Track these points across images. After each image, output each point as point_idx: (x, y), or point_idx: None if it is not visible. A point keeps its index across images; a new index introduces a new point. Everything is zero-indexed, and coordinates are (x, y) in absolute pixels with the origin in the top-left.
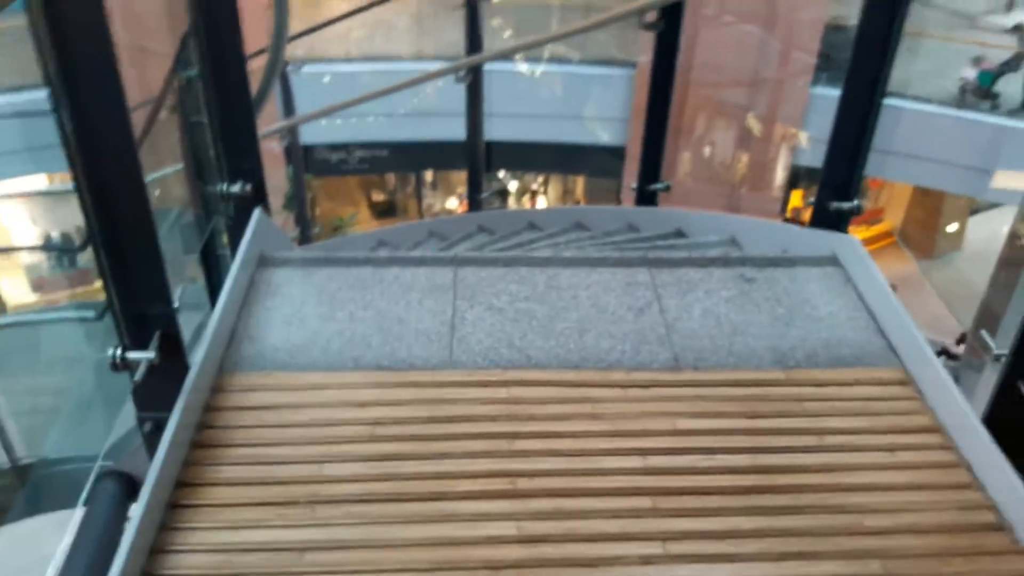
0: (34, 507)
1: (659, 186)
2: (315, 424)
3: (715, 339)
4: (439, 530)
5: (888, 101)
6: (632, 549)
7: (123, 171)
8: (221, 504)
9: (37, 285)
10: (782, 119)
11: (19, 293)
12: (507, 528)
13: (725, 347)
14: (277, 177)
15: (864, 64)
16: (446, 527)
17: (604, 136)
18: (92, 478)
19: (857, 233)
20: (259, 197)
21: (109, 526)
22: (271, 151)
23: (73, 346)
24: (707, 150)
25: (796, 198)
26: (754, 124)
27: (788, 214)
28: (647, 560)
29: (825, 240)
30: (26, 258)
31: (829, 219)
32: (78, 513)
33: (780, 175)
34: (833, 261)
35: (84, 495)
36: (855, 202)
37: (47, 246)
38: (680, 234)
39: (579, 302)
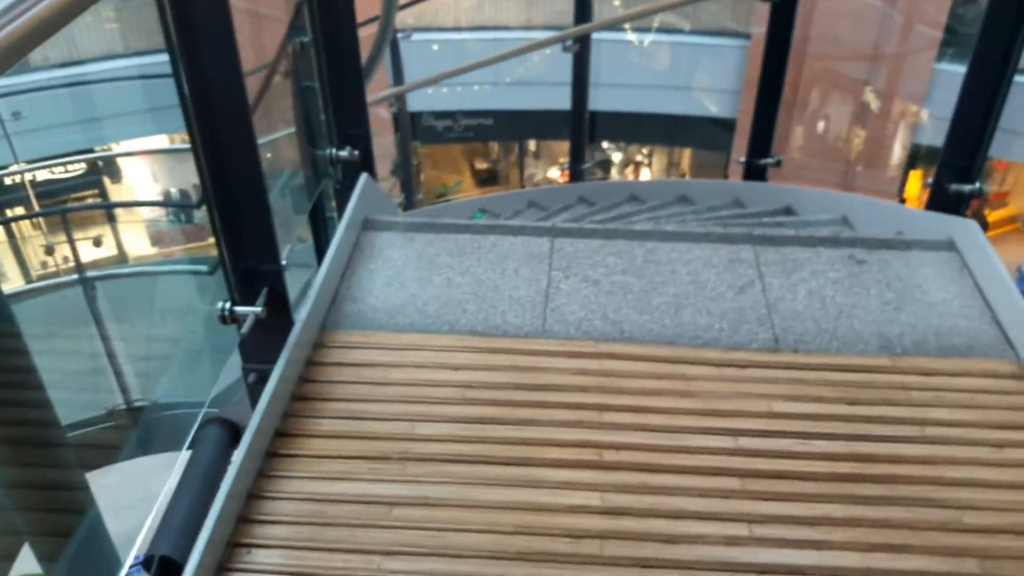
0: (145, 447)
1: (769, 160)
2: (410, 383)
3: (819, 322)
4: (524, 495)
5: (1020, 78)
6: (717, 529)
7: (237, 133)
8: (317, 455)
9: (156, 239)
10: (903, 95)
11: (139, 246)
12: (591, 498)
13: (829, 330)
14: (386, 144)
15: (994, 36)
16: (531, 492)
17: (713, 108)
18: (197, 423)
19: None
20: (366, 162)
21: (211, 469)
22: (380, 117)
23: (187, 298)
24: (821, 125)
25: (915, 179)
26: (872, 99)
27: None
28: (731, 541)
29: (942, 224)
30: (147, 213)
31: (947, 202)
32: (184, 456)
33: (898, 153)
34: (949, 246)
35: (189, 439)
36: (976, 185)
37: (166, 202)
38: (789, 211)
39: (677, 277)
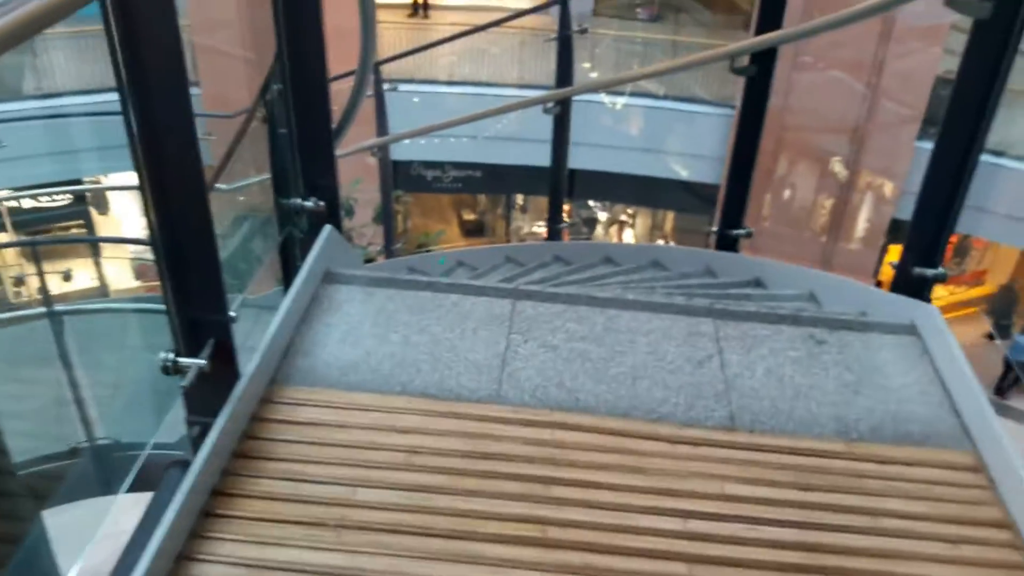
0: (106, 487)
1: (740, 232)
2: (355, 446)
3: (776, 401)
4: (462, 571)
5: (991, 159)
6: None
7: (186, 179)
8: (253, 517)
9: (139, 272)
10: (883, 172)
11: (123, 279)
12: None
13: (786, 411)
14: (371, 190)
15: (960, 119)
16: (470, 569)
17: (694, 173)
18: (139, 464)
19: (956, 295)
20: (332, 214)
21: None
22: (368, 164)
23: (153, 337)
24: (798, 196)
25: (895, 253)
26: (840, 171)
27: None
28: None
29: (905, 307)
30: (132, 246)
31: (911, 285)
32: (147, 496)
33: (877, 228)
34: (911, 330)
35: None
36: (939, 269)
37: (118, 238)
38: (758, 283)
39: (636, 347)
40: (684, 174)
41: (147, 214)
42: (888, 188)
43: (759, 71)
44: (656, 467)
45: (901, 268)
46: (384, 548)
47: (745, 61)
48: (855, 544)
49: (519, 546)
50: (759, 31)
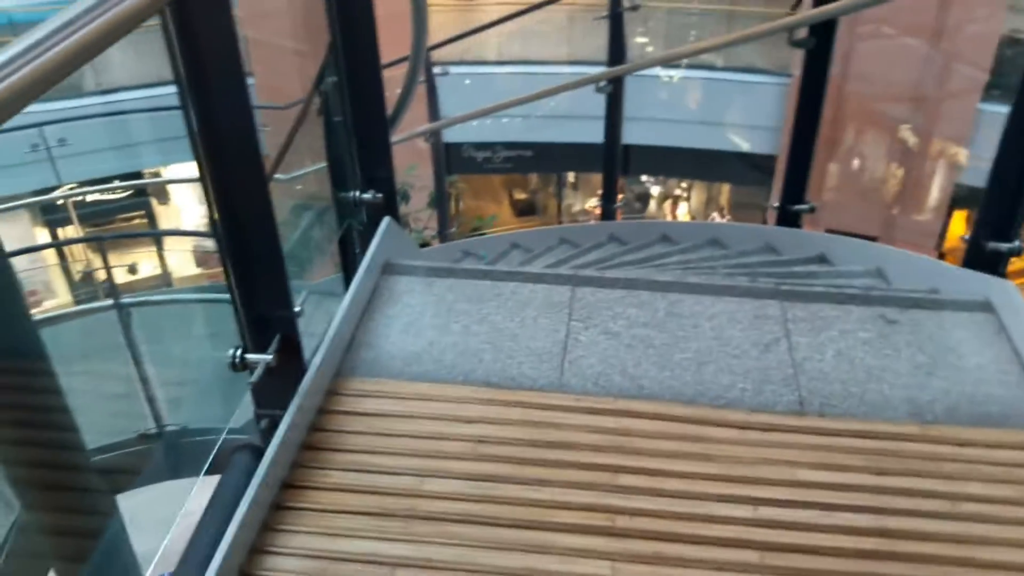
0: (175, 471)
1: (803, 207)
2: (421, 436)
3: (846, 384)
4: (532, 561)
5: None
6: None
7: (247, 175)
8: (323, 509)
9: (201, 260)
10: (944, 136)
11: (185, 266)
12: (601, 567)
13: (857, 394)
14: (425, 176)
15: None
16: (539, 559)
17: (752, 145)
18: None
19: None
20: (390, 205)
21: (238, 495)
22: (420, 149)
23: (217, 324)
24: (859, 166)
25: (959, 221)
26: (911, 139)
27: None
28: None
29: (979, 283)
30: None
31: (985, 259)
32: (213, 480)
33: (938, 195)
34: (986, 307)
35: (208, 464)
36: (1015, 243)
37: (185, 231)
38: (823, 260)
39: (700, 332)
40: (740, 145)
41: (210, 211)
42: (951, 153)
43: (819, 43)
44: (725, 454)
45: (973, 242)
46: (453, 538)
47: (803, 33)
48: (933, 529)
49: (588, 535)
50: (818, 2)
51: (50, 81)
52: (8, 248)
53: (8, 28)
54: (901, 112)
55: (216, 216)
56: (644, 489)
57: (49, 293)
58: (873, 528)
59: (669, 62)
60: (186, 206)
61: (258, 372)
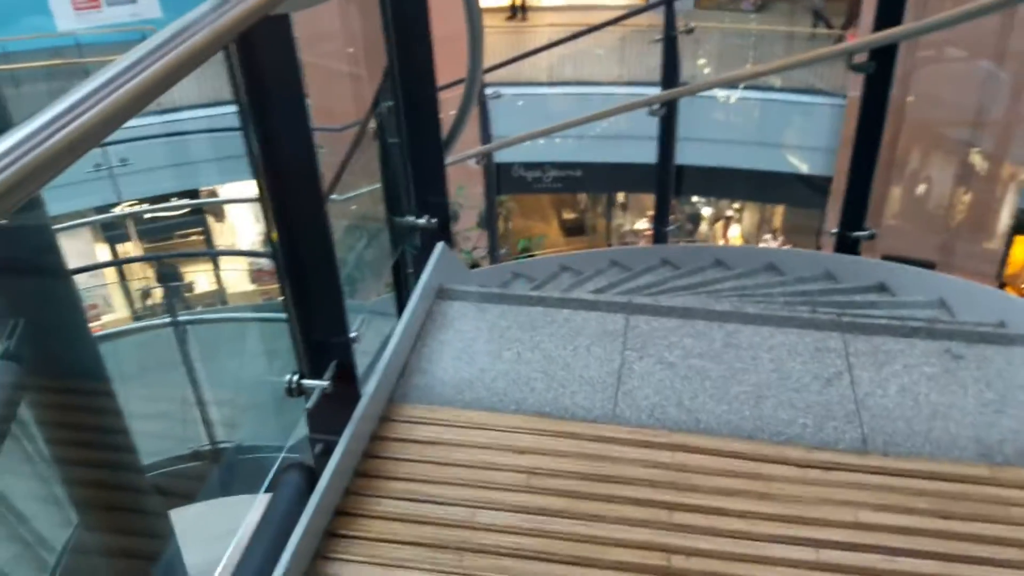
0: (227, 488)
1: (862, 234)
2: (473, 466)
3: (911, 422)
4: None
5: None
6: None
7: (306, 204)
8: (375, 538)
9: (255, 277)
10: (1012, 160)
11: (240, 282)
12: None
13: (922, 432)
14: (474, 195)
15: None
16: None
17: (807, 166)
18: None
19: None
20: (443, 230)
21: (290, 512)
22: (470, 169)
23: (272, 342)
24: (917, 190)
25: (1021, 246)
26: (975, 162)
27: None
28: None
29: None
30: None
31: None
32: (257, 497)
33: (1003, 222)
34: None
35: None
36: None
37: (244, 251)
38: (883, 289)
39: (759, 364)
40: (796, 166)
41: (269, 237)
42: (1017, 178)
43: (879, 67)
44: (785, 493)
45: None
46: (506, 573)
47: (863, 57)
48: None
49: (643, 575)
50: (878, 26)
51: (133, 109)
52: (70, 264)
53: (75, 50)
54: (965, 135)
55: (276, 241)
56: (701, 528)
57: (107, 307)
58: (939, 575)
59: (723, 85)
60: (241, 224)
61: (314, 398)
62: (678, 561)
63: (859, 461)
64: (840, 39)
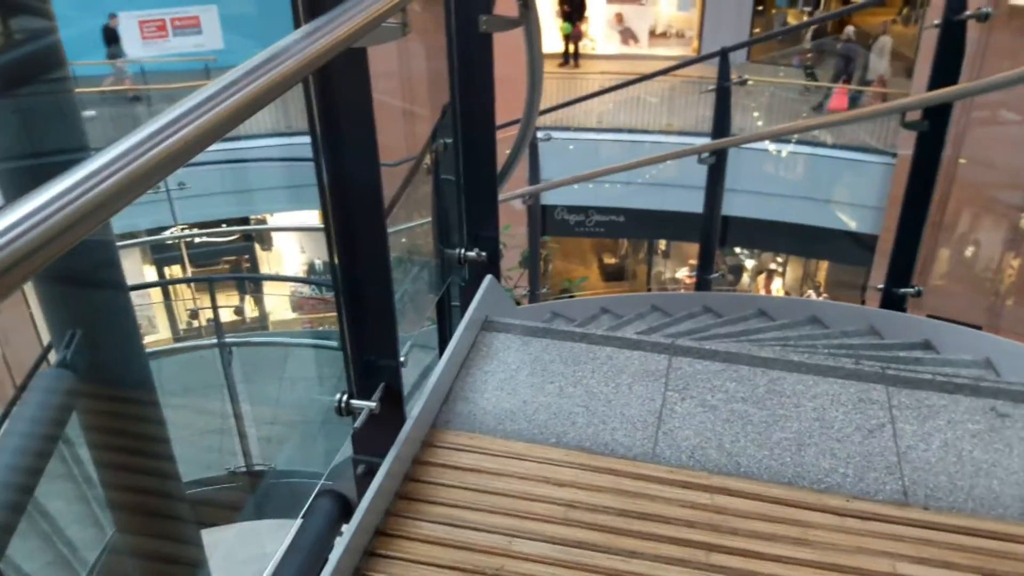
0: (260, 511)
1: (909, 290)
2: (512, 495)
3: (953, 477)
4: None
5: None
6: None
7: (369, 229)
8: (413, 560)
9: (296, 305)
10: None
11: (281, 310)
12: None
13: (965, 488)
14: (518, 235)
15: None
16: None
17: (854, 223)
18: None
19: None
20: (492, 264)
21: (321, 539)
22: (515, 210)
23: (315, 368)
24: (969, 251)
25: None
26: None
27: None
28: None
29: None
30: (294, 283)
31: None
32: (296, 523)
33: None
34: None
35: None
36: None
37: (296, 278)
38: (928, 346)
39: (802, 412)
40: (843, 223)
41: (330, 259)
42: None
43: (932, 125)
44: (823, 540)
45: None
46: None
47: (917, 115)
48: None
49: None
50: (933, 84)
51: (224, 130)
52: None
53: (140, 76)
54: (1016, 199)
55: (336, 263)
56: (738, 570)
57: (151, 328)
58: None
59: (775, 137)
60: (287, 252)
61: (361, 418)
62: None
63: (899, 513)
64: (828, 93)
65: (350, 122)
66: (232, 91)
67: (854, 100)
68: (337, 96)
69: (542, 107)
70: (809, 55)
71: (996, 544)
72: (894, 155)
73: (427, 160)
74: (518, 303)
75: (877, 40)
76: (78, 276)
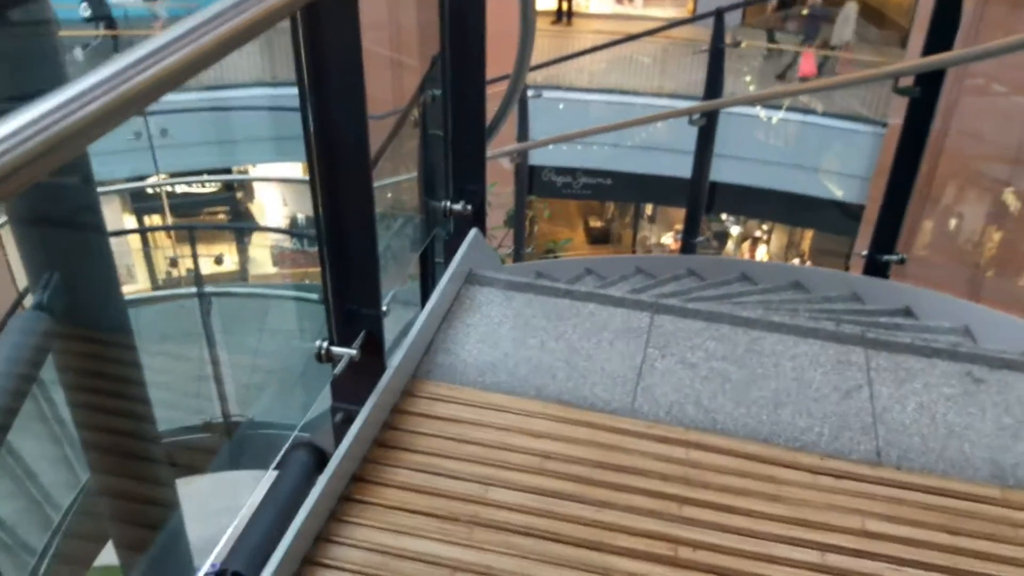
0: (236, 462)
1: (893, 257)
2: (489, 445)
3: (927, 439)
4: None
5: None
6: None
7: (354, 179)
8: (389, 506)
9: (277, 259)
10: None
11: (262, 263)
12: None
13: (936, 449)
14: (503, 194)
15: None
16: None
17: (841, 192)
18: (288, 445)
19: None
20: (478, 217)
21: (294, 493)
22: (502, 169)
23: (293, 322)
24: (953, 223)
25: None
26: (1012, 201)
27: None
28: None
29: None
30: (273, 234)
31: None
32: (269, 474)
33: None
34: None
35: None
36: None
37: (281, 229)
38: (908, 313)
39: (780, 371)
40: (830, 191)
41: (315, 207)
42: None
43: (924, 92)
44: (795, 496)
45: None
46: (514, 549)
47: (909, 81)
48: None
49: (649, 563)
50: (927, 51)
51: (187, 73)
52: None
53: (123, 21)
54: (1002, 172)
55: (320, 211)
56: (709, 523)
57: (130, 277)
58: None
59: (766, 100)
60: (269, 204)
61: (342, 365)
62: (684, 552)
63: (871, 472)
64: (795, 58)
65: (338, 69)
66: (219, 21)
67: (821, 66)
68: (325, 41)
69: (533, 63)
70: (781, 21)
71: (965, 504)
72: (884, 124)
73: (415, 112)
74: (503, 262)
75: (843, 8)
76: (57, 219)
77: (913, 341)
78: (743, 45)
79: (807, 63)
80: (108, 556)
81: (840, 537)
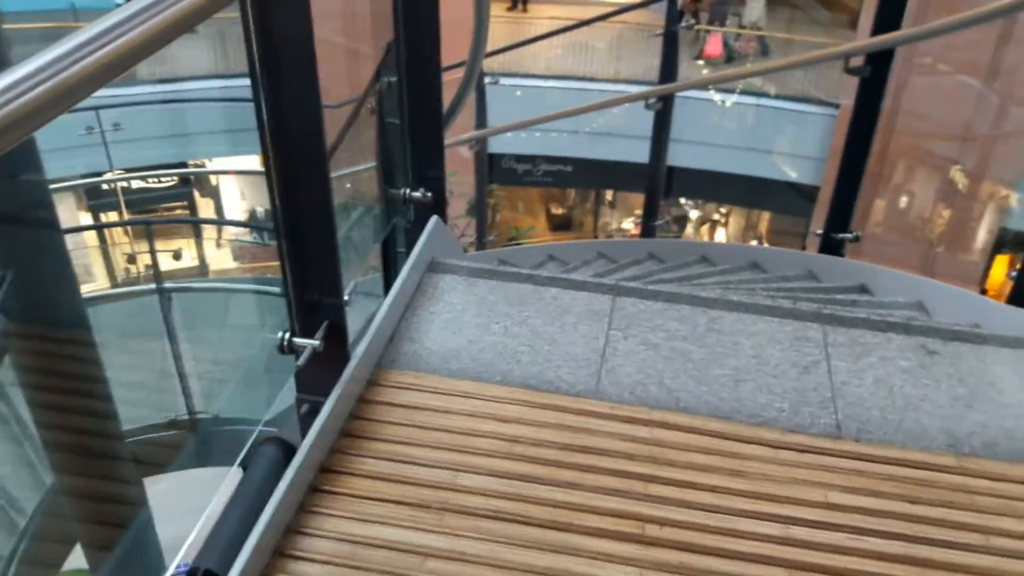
0: (202, 459)
1: (847, 236)
2: (457, 431)
3: (884, 411)
4: (560, 562)
5: None
6: None
7: (311, 167)
8: (358, 495)
9: (237, 254)
10: (994, 178)
11: (222, 259)
12: (629, 573)
13: (894, 421)
14: (464, 183)
15: None
16: (568, 560)
17: (796, 174)
18: (252, 441)
19: None
20: (438, 205)
21: (263, 488)
22: (462, 157)
23: (256, 317)
24: (904, 201)
25: (1000, 264)
26: (960, 179)
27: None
28: None
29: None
30: (231, 228)
31: None
32: (237, 471)
33: (984, 239)
34: None
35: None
36: None
37: (238, 222)
38: (863, 290)
39: (740, 350)
40: (785, 174)
41: (271, 197)
42: (999, 196)
43: (874, 72)
44: (758, 471)
45: (1020, 279)
46: (484, 533)
47: (860, 61)
48: (964, 562)
49: (617, 541)
50: (876, 31)
51: (125, 64)
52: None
53: (70, 13)
54: (950, 151)
55: (277, 202)
56: (674, 500)
57: (88, 276)
58: (903, 555)
59: (721, 83)
60: (228, 198)
61: (304, 356)
62: (651, 530)
63: (831, 445)
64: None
65: (291, 56)
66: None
67: (726, 44)
68: (277, 27)
69: (488, 49)
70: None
71: (922, 473)
72: (837, 106)
73: (371, 100)
74: (464, 251)
75: None
76: (8, 216)
77: (868, 316)
78: (696, 28)
79: (712, 45)
80: (78, 559)
81: (803, 510)
